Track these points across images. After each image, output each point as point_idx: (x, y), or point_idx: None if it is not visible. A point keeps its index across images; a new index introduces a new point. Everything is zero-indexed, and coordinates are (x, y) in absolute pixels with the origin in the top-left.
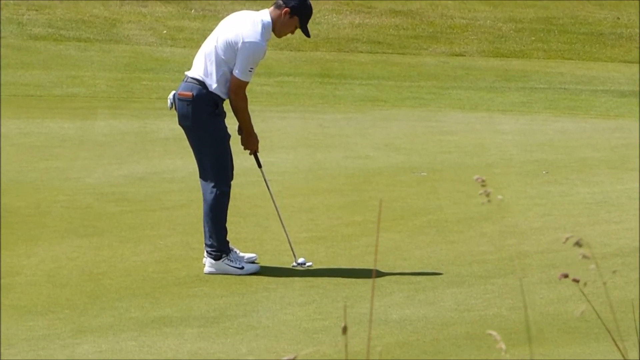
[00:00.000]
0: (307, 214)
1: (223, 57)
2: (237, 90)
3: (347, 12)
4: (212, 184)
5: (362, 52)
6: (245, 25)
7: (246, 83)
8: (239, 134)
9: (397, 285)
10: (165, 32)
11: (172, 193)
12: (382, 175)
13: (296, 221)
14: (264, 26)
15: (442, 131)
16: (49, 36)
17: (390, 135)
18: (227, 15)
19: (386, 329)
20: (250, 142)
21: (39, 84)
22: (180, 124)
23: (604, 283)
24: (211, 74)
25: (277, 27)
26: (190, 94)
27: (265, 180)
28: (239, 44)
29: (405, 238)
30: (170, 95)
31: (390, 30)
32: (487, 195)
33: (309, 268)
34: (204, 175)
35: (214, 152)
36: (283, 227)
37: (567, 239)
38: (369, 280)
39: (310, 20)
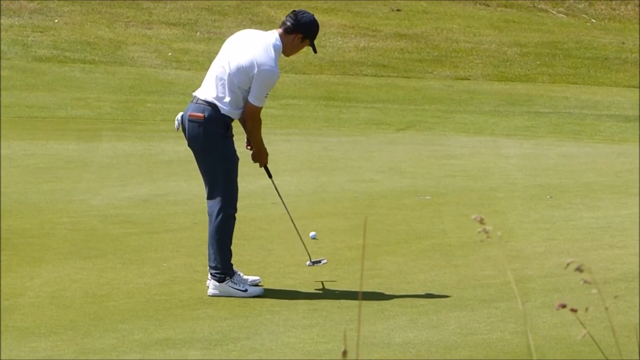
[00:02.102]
0: None
1: (236, 81)
2: (253, 115)
3: (352, 36)
4: (220, 206)
5: (367, 75)
6: (258, 51)
7: (261, 108)
8: (247, 147)
9: (401, 308)
10: (170, 54)
11: (176, 215)
12: (386, 199)
13: (300, 244)
14: (276, 51)
15: (447, 155)
16: (54, 58)
17: (395, 159)
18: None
19: (389, 352)
20: (261, 157)
21: (43, 106)
22: (189, 145)
23: (606, 308)
24: (223, 97)
25: (288, 51)
26: (202, 115)
27: (276, 189)
28: (255, 71)
29: (409, 261)
30: (178, 117)
31: (395, 53)
32: (487, 232)
33: (324, 264)
34: (212, 197)
35: (223, 174)
36: (295, 228)
37: (568, 264)
38: (372, 303)
39: (316, 43)
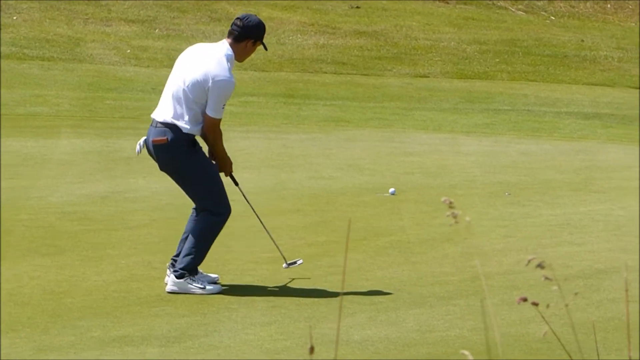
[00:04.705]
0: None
1: (193, 98)
2: (213, 128)
3: (312, 33)
4: (212, 210)
5: (326, 72)
6: (211, 63)
7: (220, 120)
8: (212, 159)
9: (359, 305)
10: (129, 51)
11: (135, 212)
12: (345, 196)
13: (259, 241)
14: (229, 61)
15: (406, 152)
16: (12, 55)
17: (354, 156)
18: (190, 34)
19: (348, 350)
20: (226, 167)
21: (2, 103)
22: (162, 169)
23: (566, 305)
24: (182, 116)
25: (242, 57)
26: (165, 138)
27: (244, 195)
28: (209, 83)
29: (367, 259)
30: (141, 142)
31: (355, 51)
32: (455, 217)
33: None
34: (201, 208)
35: (206, 186)
36: (267, 232)
37: (529, 260)
38: (332, 300)
39: (275, 41)
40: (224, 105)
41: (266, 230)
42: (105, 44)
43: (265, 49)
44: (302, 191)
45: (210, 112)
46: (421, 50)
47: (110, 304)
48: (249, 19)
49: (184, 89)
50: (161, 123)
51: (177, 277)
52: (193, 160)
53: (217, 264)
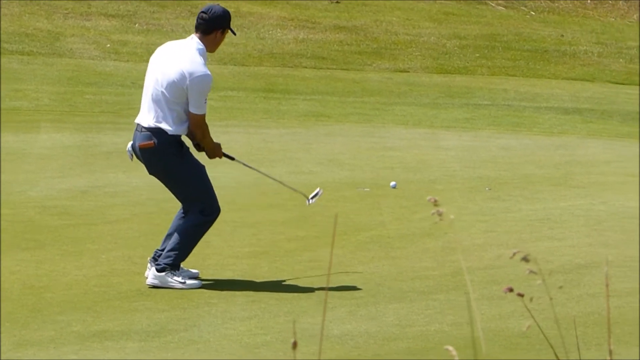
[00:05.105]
0: (250, 229)
1: (172, 98)
2: (199, 124)
3: (292, 28)
4: (200, 209)
5: (306, 67)
6: (184, 62)
7: (204, 115)
8: (198, 150)
9: (340, 300)
10: (108, 45)
11: (115, 207)
12: (325, 191)
13: (239, 236)
14: (201, 55)
15: (386, 147)
16: None
17: (334, 151)
18: (170, 28)
19: (327, 344)
20: (215, 152)
21: None
22: (151, 173)
23: (551, 299)
24: (166, 118)
25: (213, 48)
26: (152, 142)
27: (244, 164)
28: (187, 82)
29: (347, 253)
30: (129, 146)
31: (335, 45)
32: (440, 214)
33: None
34: (190, 208)
35: (196, 187)
36: (277, 180)
37: (514, 254)
38: (311, 295)
39: (255, 35)
40: (206, 100)
41: (274, 179)
42: (85, 39)
43: (234, 34)
44: (282, 186)
45: (193, 110)
46: (401, 45)
47: (90, 298)
48: (213, 11)
49: (162, 92)
50: (146, 128)
51: (158, 271)
52: (181, 162)
53: (196, 258)
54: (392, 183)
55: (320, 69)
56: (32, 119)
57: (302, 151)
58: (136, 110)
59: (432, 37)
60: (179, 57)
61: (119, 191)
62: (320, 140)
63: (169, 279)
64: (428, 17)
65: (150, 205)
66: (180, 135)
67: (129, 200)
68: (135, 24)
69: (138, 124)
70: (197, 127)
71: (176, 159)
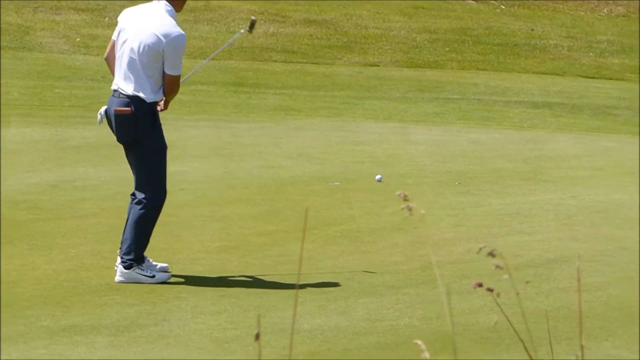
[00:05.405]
0: (220, 224)
1: (148, 63)
2: (174, 86)
3: (262, 21)
4: (149, 195)
5: (276, 61)
6: (157, 25)
7: (180, 76)
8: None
9: (309, 294)
10: (78, 39)
11: (84, 201)
12: (295, 185)
13: (208, 230)
14: (172, 16)
15: (356, 141)
16: None
17: (304, 145)
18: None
19: (297, 339)
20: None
21: None
22: (120, 140)
23: (517, 293)
24: (143, 87)
25: (180, 7)
26: (129, 109)
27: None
28: (163, 44)
29: (317, 248)
30: (102, 111)
31: (305, 39)
32: (410, 210)
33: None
34: (141, 187)
35: (154, 165)
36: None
37: (481, 248)
38: (281, 290)
39: (225, 29)
40: (181, 60)
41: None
42: (54, 33)
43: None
44: (252, 180)
45: (170, 71)
46: (371, 39)
47: (60, 293)
48: None
49: (137, 59)
50: (124, 95)
51: (126, 268)
52: (152, 134)
53: (166, 253)
54: (378, 177)
55: (290, 62)
56: (1, 113)
57: (272, 145)
58: (106, 105)
59: (402, 31)
60: (150, 21)
61: (88, 185)
62: (290, 135)
63: (137, 275)
64: (398, 11)
65: (119, 199)
66: (156, 103)
67: (98, 195)
68: (105, 18)
69: (116, 90)
70: (172, 89)
71: (148, 130)
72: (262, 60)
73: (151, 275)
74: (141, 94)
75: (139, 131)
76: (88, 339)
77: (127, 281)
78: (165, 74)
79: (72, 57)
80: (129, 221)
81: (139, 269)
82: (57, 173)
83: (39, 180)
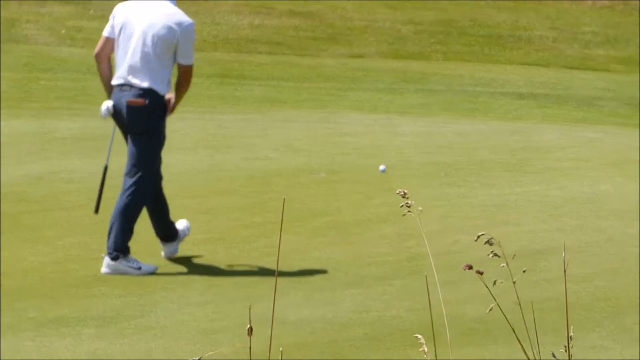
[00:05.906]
0: (206, 215)
1: (162, 54)
2: (188, 76)
3: (247, 13)
4: (140, 186)
5: (261, 53)
6: (167, 14)
7: (192, 65)
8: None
9: (296, 285)
10: (63, 32)
11: (71, 193)
12: (281, 177)
13: (195, 222)
14: (176, 5)
15: (341, 133)
16: None
17: (290, 137)
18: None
19: (283, 330)
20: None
21: None
22: (129, 130)
23: (514, 282)
24: (156, 80)
25: None
26: (143, 101)
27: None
28: (177, 34)
29: (303, 239)
30: (109, 104)
31: (290, 31)
32: (409, 207)
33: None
34: (134, 175)
35: (154, 155)
36: None
37: (478, 236)
38: (268, 281)
39: (210, 21)
40: (192, 49)
41: None
42: (39, 25)
43: None
44: (238, 172)
45: (185, 61)
46: (356, 31)
47: (47, 285)
48: None
49: (152, 51)
50: (138, 87)
51: (112, 259)
52: (161, 126)
53: (153, 244)
54: (382, 167)
55: (276, 54)
56: None
57: (257, 137)
58: (91, 96)
59: (387, 23)
60: (158, 13)
61: (74, 177)
62: (276, 126)
63: (123, 266)
64: (383, 3)
65: (106, 191)
66: (165, 95)
67: (85, 187)
68: (90, 10)
69: (124, 84)
70: (187, 79)
71: (159, 123)
72: (247, 52)
73: (137, 267)
74: (156, 87)
75: (150, 121)
76: (75, 330)
77: (114, 273)
78: (179, 65)
79: (57, 49)
80: (116, 213)
81: (125, 260)
82: (43, 165)
83: (25, 173)
